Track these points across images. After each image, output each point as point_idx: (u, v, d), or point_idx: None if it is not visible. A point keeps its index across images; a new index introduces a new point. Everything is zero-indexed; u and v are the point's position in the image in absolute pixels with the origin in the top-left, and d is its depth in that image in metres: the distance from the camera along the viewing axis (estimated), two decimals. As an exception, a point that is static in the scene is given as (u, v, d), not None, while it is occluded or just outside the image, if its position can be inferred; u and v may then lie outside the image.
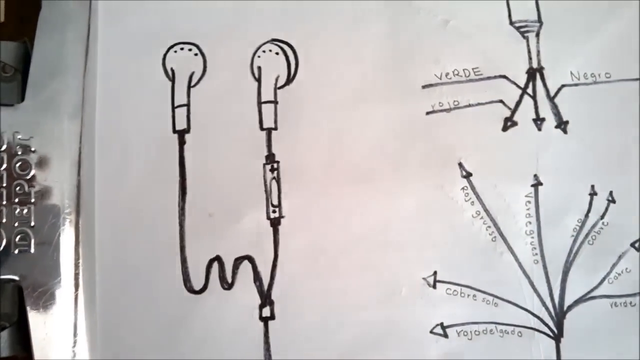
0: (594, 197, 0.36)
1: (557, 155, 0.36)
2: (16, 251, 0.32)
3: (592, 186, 0.36)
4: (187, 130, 0.35)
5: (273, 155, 0.35)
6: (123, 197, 0.35)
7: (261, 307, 0.34)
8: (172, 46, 0.36)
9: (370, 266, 0.35)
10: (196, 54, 0.36)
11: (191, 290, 0.34)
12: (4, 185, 0.32)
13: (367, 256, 0.35)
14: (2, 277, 0.32)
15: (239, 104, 0.36)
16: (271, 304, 0.34)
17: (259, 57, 0.36)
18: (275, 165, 0.35)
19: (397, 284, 0.35)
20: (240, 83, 0.36)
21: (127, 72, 0.35)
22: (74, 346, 0.33)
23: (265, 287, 0.34)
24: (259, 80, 0.36)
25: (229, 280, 0.34)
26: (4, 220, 0.32)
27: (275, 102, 0.36)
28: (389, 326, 0.34)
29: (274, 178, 0.35)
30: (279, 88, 0.36)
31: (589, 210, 0.36)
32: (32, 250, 0.32)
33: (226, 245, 0.34)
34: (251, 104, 0.36)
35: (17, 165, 0.33)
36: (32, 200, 0.33)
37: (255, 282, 0.34)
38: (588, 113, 0.36)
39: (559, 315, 0.35)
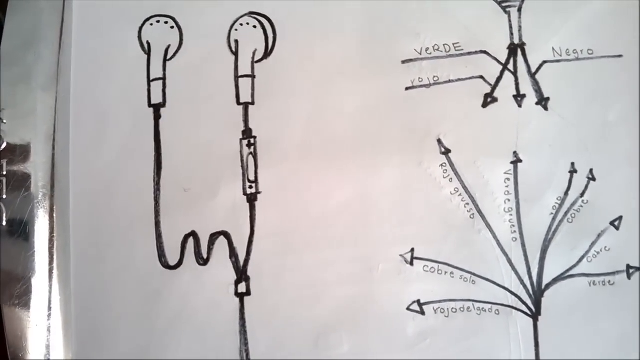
0: (574, 174, 0.35)
1: (538, 132, 0.36)
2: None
3: (573, 164, 0.35)
4: (163, 104, 0.35)
5: (250, 130, 0.35)
6: (98, 171, 0.34)
7: (237, 283, 0.34)
8: (148, 19, 0.36)
9: (346, 242, 0.35)
10: (172, 27, 0.36)
11: (166, 265, 0.34)
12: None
13: (343, 232, 0.35)
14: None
15: (216, 78, 0.35)
16: (247, 279, 0.34)
17: (236, 30, 0.36)
18: (252, 141, 0.35)
19: (374, 260, 0.35)
20: (217, 57, 0.35)
21: (103, 45, 0.35)
22: (48, 319, 0.33)
23: (241, 262, 0.34)
24: (236, 54, 0.35)
25: (205, 255, 0.34)
26: (-25, 193, 0.32)
27: (252, 76, 0.35)
28: (365, 303, 0.34)
29: (250, 153, 0.35)
30: (257, 62, 0.35)
31: (568, 188, 0.35)
32: (4, 223, 0.32)
33: (202, 220, 0.34)
34: (228, 78, 0.35)
35: (-12, 137, 0.33)
36: (4, 172, 0.32)
37: (231, 257, 0.34)
38: (569, 90, 0.36)
39: (537, 294, 0.35)
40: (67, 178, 0.34)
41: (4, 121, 0.32)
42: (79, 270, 0.34)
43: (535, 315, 0.35)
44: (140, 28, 0.35)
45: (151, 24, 0.35)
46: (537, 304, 0.35)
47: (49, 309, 0.33)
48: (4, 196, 0.32)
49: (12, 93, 0.33)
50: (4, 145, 0.32)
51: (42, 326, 0.33)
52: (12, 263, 0.32)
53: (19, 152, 0.33)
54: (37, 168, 0.33)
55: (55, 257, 0.33)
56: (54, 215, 0.33)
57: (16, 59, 0.33)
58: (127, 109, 0.35)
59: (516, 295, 0.35)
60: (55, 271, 0.33)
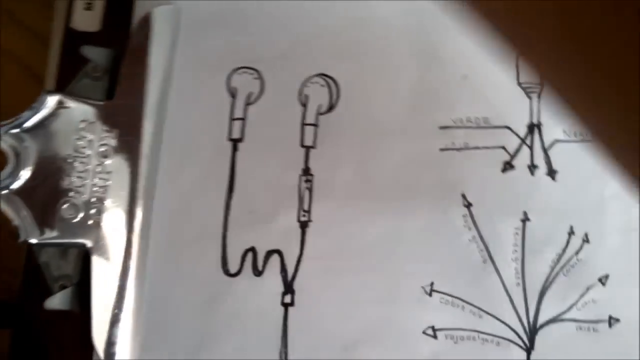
0: (572, 236, 0.40)
1: (545, 198, 0.40)
2: (90, 222, 0.38)
3: (571, 227, 0.40)
4: (241, 139, 0.41)
5: (309, 169, 0.40)
6: (180, 189, 0.39)
7: (284, 294, 0.39)
8: (236, 69, 0.41)
9: (378, 271, 0.39)
10: (256, 78, 0.41)
11: (227, 273, 0.39)
12: (89, 165, 0.38)
13: (376, 262, 0.39)
14: (73, 241, 0.37)
15: (286, 123, 0.41)
16: (292, 292, 0.39)
17: (307, 86, 0.41)
18: (309, 178, 0.40)
19: (399, 289, 0.39)
20: (289, 106, 0.41)
21: (197, 86, 0.41)
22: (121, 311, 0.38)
23: (290, 278, 0.39)
24: (304, 105, 0.41)
25: (260, 268, 0.39)
26: (85, 196, 0.38)
27: (316, 125, 0.41)
28: (388, 323, 0.39)
29: (307, 188, 0.40)
30: (321, 114, 0.41)
31: (566, 247, 0.40)
32: (103, 223, 0.38)
33: (261, 238, 0.39)
34: (296, 124, 0.41)
35: (100, 150, 0.38)
36: (109, 182, 0.38)
37: (281, 272, 0.39)
38: (575, 166, 0.41)
39: (532, 331, 0.39)
40: (153, 193, 0.39)
41: (114, 140, 0.39)
42: (154, 270, 0.38)
43: (529, 349, 0.39)
44: (230, 75, 0.41)
45: (239, 73, 0.41)
46: (532, 340, 0.39)
47: (120, 299, 0.37)
48: (108, 200, 0.38)
49: (123, 118, 0.39)
50: (111, 160, 0.38)
51: (118, 315, 0.38)
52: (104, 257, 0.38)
53: (122, 166, 0.39)
54: (134, 181, 0.39)
55: (135, 255, 0.38)
56: (139, 221, 0.39)
57: (128, 89, 0.39)
58: (211, 140, 0.40)
59: (514, 331, 0.39)
60: (133, 270, 0.38)
